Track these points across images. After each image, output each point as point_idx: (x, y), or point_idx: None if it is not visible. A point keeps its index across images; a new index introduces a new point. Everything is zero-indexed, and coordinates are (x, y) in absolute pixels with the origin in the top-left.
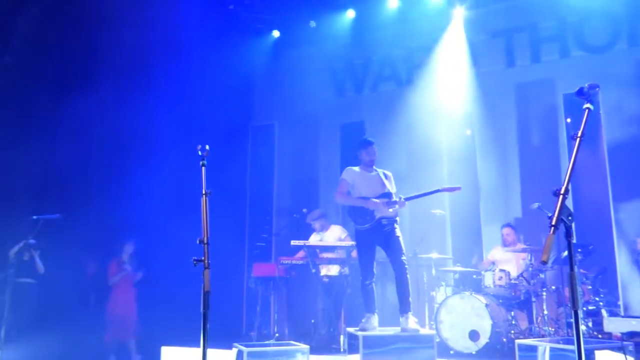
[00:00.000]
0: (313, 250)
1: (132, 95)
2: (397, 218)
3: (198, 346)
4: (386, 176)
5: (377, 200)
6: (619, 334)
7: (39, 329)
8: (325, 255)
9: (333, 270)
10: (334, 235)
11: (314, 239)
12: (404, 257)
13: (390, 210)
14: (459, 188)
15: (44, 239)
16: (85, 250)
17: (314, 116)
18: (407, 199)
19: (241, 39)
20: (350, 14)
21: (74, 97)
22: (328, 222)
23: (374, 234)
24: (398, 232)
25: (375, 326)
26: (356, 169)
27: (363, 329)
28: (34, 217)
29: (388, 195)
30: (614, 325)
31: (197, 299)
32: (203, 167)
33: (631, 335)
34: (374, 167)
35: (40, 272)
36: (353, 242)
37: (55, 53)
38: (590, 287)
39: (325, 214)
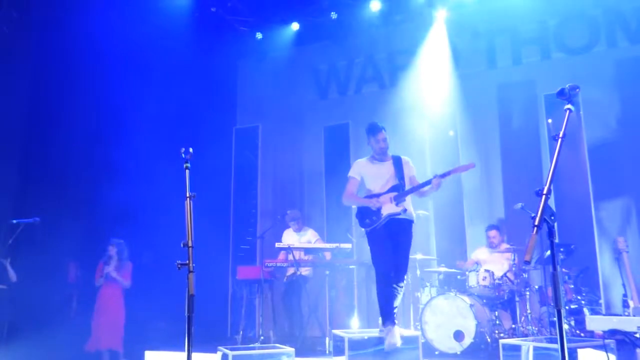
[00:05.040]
0: (292, 252)
1: (114, 98)
2: (411, 214)
3: (183, 350)
4: (400, 163)
5: (380, 199)
6: (601, 332)
7: (18, 336)
8: (304, 257)
9: (310, 271)
10: (307, 237)
11: (289, 239)
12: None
13: (399, 207)
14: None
15: (23, 244)
16: (66, 255)
17: (298, 118)
18: (441, 176)
19: (224, 42)
20: (333, 16)
21: (53, 99)
22: (304, 224)
23: (384, 231)
24: (410, 232)
25: (398, 341)
26: (363, 161)
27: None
28: (14, 220)
29: (398, 187)
30: (595, 323)
31: (181, 302)
32: (187, 170)
33: (613, 333)
34: (389, 154)
35: (12, 281)
36: (329, 245)
37: (36, 53)
38: (572, 286)
39: (303, 216)
